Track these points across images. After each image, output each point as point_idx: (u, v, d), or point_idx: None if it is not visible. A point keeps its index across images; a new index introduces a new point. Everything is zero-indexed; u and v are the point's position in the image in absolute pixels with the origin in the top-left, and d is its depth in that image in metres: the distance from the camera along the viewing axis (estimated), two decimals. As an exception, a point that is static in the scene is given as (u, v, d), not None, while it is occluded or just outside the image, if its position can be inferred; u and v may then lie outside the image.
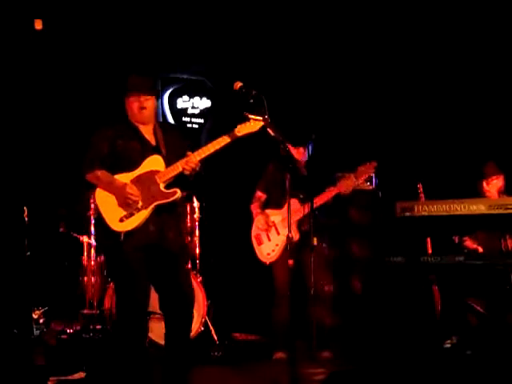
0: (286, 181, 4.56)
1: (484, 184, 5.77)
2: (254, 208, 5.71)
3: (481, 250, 5.53)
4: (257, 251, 5.63)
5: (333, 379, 4.54)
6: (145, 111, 4.18)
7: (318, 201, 5.34)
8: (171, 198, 4.08)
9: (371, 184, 5.60)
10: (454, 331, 5.46)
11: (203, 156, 4.09)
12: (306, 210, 5.18)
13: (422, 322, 5.63)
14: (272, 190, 5.63)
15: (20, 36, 6.61)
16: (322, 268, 5.51)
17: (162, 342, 4.60)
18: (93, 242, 6.26)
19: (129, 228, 4.01)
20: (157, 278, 4.15)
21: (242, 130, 4.09)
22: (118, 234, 4.01)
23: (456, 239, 5.70)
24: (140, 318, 4.10)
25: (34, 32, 6.59)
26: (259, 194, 5.73)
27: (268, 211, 5.62)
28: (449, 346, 5.37)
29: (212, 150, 4.09)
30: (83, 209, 6.38)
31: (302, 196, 5.31)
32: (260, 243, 5.62)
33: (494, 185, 5.75)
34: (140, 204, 4.04)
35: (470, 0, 6.41)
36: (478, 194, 5.74)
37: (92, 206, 6.19)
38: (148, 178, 4.08)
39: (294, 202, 5.19)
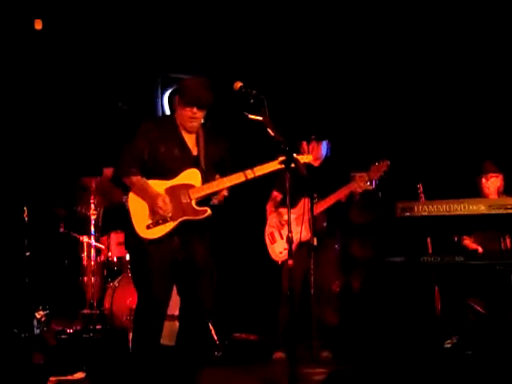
0: (287, 181, 4.56)
1: (483, 180, 5.76)
2: (269, 207, 5.74)
3: (480, 249, 5.53)
4: (270, 250, 5.64)
5: (333, 379, 4.54)
6: (194, 122, 4.16)
7: (331, 200, 5.36)
8: (200, 216, 4.07)
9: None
10: (454, 331, 5.46)
11: (237, 182, 4.10)
12: (319, 209, 5.24)
13: (422, 321, 5.63)
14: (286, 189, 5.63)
15: (20, 36, 6.60)
16: (335, 268, 5.54)
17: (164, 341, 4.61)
18: (93, 242, 6.27)
19: (154, 236, 4.01)
20: (179, 285, 4.18)
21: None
22: (143, 239, 4.02)
23: (455, 238, 5.70)
24: (159, 318, 4.10)
25: (34, 32, 6.58)
26: (275, 193, 5.75)
27: (281, 210, 5.62)
28: (449, 345, 5.37)
29: (250, 177, 4.11)
30: (82, 209, 6.38)
31: (314, 195, 5.31)
32: (273, 241, 5.63)
33: (492, 182, 5.73)
34: (169, 215, 4.03)
35: (470, 0, 6.42)
36: (477, 193, 5.74)
37: (92, 206, 6.21)
38: (182, 191, 4.07)
39: (307, 202, 5.18)
